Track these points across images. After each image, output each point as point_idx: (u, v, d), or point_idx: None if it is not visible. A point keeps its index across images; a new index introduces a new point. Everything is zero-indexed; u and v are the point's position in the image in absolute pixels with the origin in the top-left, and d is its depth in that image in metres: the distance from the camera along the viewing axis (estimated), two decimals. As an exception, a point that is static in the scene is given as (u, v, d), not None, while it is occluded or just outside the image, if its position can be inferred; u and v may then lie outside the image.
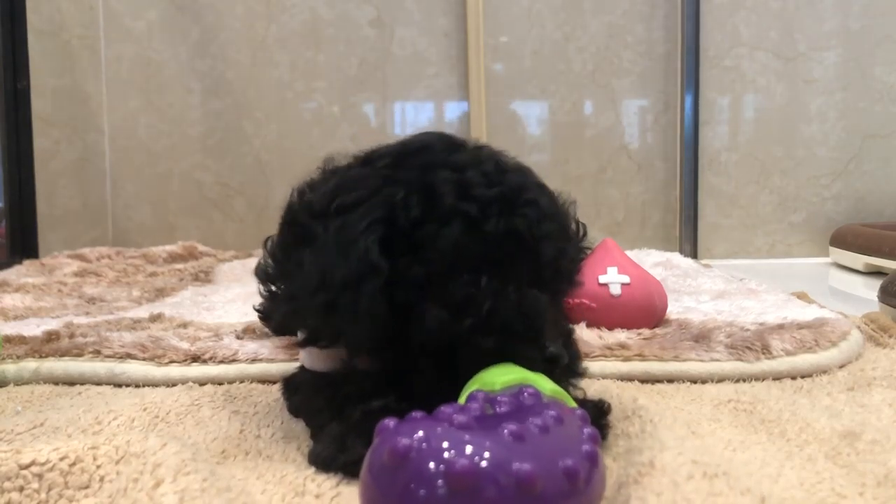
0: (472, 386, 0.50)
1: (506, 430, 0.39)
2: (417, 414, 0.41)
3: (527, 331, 0.54)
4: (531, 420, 0.42)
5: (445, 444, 0.38)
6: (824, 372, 0.80)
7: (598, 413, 0.59)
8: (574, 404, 0.50)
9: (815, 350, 0.81)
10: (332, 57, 1.97)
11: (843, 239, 1.78)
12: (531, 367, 0.52)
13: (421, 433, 0.38)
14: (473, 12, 1.91)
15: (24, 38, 1.75)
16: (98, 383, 0.80)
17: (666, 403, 0.69)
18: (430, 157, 0.56)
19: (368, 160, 0.60)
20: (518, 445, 0.39)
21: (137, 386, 0.79)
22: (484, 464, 0.37)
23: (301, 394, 0.66)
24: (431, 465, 0.37)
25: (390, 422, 0.41)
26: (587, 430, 0.46)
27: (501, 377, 0.50)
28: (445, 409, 0.41)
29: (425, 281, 0.53)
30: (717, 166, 1.97)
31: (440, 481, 0.36)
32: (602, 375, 0.78)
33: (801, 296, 1.15)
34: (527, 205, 0.55)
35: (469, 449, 0.37)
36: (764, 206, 1.97)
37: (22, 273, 1.48)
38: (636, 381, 0.78)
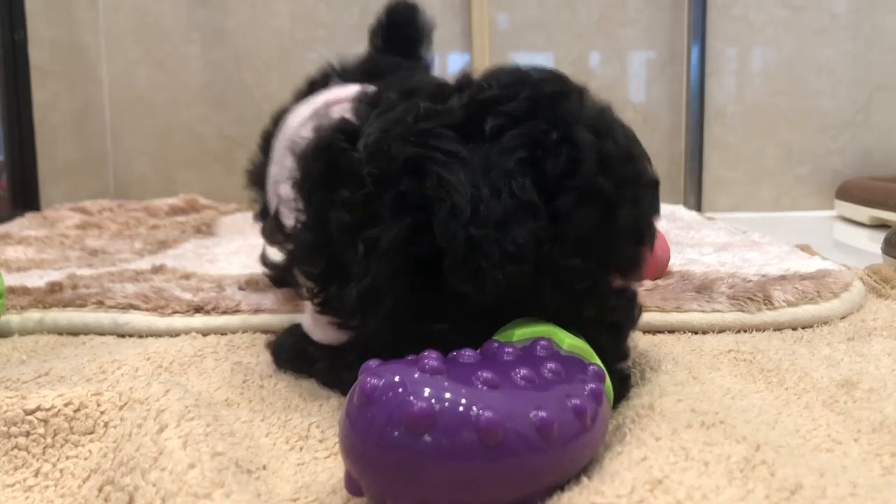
0: (497, 335, 0.50)
1: (481, 378, 0.40)
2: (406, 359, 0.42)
3: (618, 335, 0.55)
4: (518, 370, 0.42)
5: (407, 388, 0.38)
6: (825, 322, 0.80)
7: (621, 383, 0.56)
8: (597, 360, 0.49)
9: (817, 301, 0.82)
10: (333, 6, 1.93)
11: (849, 192, 1.77)
12: (607, 360, 0.51)
13: (389, 377, 0.38)
14: (477, -40, 1.87)
15: (20, -12, 1.72)
16: (101, 333, 0.81)
17: (667, 352, 0.69)
18: (568, 105, 0.51)
19: (469, 86, 0.54)
20: (488, 392, 0.39)
21: (141, 336, 0.80)
22: (438, 406, 0.37)
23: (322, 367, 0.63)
24: (390, 407, 0.37)
25: (373, 362, 0.41)
26: (592, 367, 0.46)
27: (521, 329, 0.49)
28: (430, 353, 0.42)
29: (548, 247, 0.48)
30: (722, 118, 1.95)
31: (397, 422, 0.37)
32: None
33: (805, 248, 1.14)
34: (648, 189, 0.54)
35: (427, 392, 0.38)
36: (769, 158, 1.95)
37: (24, 225, 1.48)
38: (638, 331, 0.79)
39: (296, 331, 0.66)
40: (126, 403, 0.50)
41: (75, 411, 0.50)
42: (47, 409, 0.49)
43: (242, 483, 0.42)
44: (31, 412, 0.49)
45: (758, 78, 1.95)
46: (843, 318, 0.82)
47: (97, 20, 1.93)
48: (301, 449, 0.50)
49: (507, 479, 0.38)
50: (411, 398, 0.37)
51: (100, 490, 0.44)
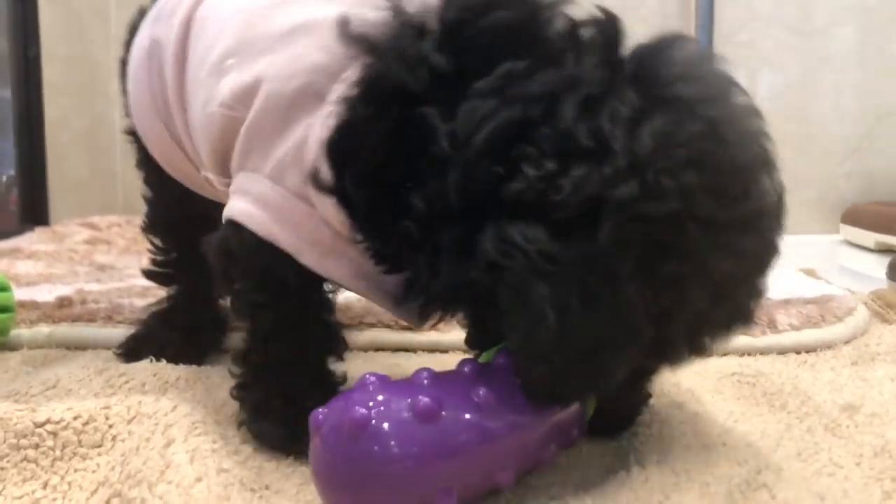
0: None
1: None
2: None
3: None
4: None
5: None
6: (829, 347, 0.80)
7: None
8: None
9: (821, 325, 0.82)
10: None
11: (855, 217, 1.77)
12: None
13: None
14: (486, -17, 1.89)
15: (34, 6, 1.75)
16: (109, 348, 0.81)
17: (670, 374, 0.69)
18: (721, 111, 0.43)
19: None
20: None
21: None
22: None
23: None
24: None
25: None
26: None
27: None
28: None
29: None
30: (728, 142, 1.95)
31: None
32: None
33: (809, 272, 1.15)
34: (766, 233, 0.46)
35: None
36: (775, 182, 1.96)
37: (34, 240, 1.49)
38: (641, 354, 0.79)
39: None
40: (134, 417, 0.51)
41: (84, 424, 0.50)
42: (56, 422, 0.50)
43: (247, 500, 0.42)
44: (41, 425, 0.50)
45: (764, 103, 1.94)
46: (846, 342, 0.82)
47: (109, 37, 1.95)
48: (303, 470, 0.50)
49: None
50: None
51: (107, 502, 0.44)
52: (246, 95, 0.52)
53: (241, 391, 0.54)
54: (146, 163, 0.72)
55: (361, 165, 0.46)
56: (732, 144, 0.42)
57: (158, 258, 0.76)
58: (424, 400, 0.40)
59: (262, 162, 0.51)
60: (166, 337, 0.74)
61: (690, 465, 0.45)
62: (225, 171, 0.57)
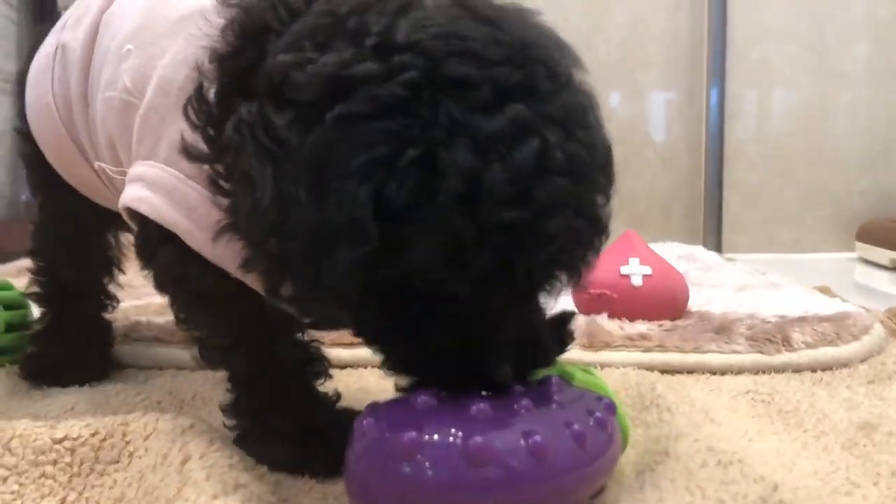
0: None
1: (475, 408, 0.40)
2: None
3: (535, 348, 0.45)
4: (521, 400, 0.42)
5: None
6: (845, 365, 0.80)
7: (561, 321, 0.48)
8: (609, 392, 0.49)
9: (837, 343, 0.81)
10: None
11: (870, 234, 1.76)
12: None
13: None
14: (498, 3, 1.91)
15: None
16: (126, 367, 0.82)
17: (685, 393, 0.69)
18: (532, 103, 0.38)
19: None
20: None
21: (161, 368, 0.81)
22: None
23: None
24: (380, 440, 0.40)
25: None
26: (603, 400, 0.45)
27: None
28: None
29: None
30: (742, 159, 1.95)
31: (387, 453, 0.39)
32: (623, 365, 0.79)
33: (824, 290, 1.14)
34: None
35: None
36: (789, 200, 1.95)
37: (53, 258, 1.50)
38: (656, 372, 0.79)
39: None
40: (151, 434, 0.51)
41: (102, 441, 0.51)
42: (74, 439, 0.51)
43: (264, 515, 0.42)
44: (59, 441, 0.50)
45: (778, 119, 1.96)
46: (862, 360, 0.81)
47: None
48: (322, 485, 0.51)
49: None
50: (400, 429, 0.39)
51: (124, 519, 0.45)
52: (142, 82, 0.53)
53: (243, 441, 0.52)
54: (36, 168, 0.70)
55: (222, 114, 0.44)
56: (496, 28, 0.39)
57: (41, 278, 0.76)
58: (476, 441, 0.38)
59: (155, 148, 0.51)
60: (58, 355, 0.74)
61: (705, 483, 0.45)
62: (118, 161, 0.57)
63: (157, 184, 0.50)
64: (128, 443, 0.51)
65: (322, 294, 0.38)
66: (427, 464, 0.38)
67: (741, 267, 1.42)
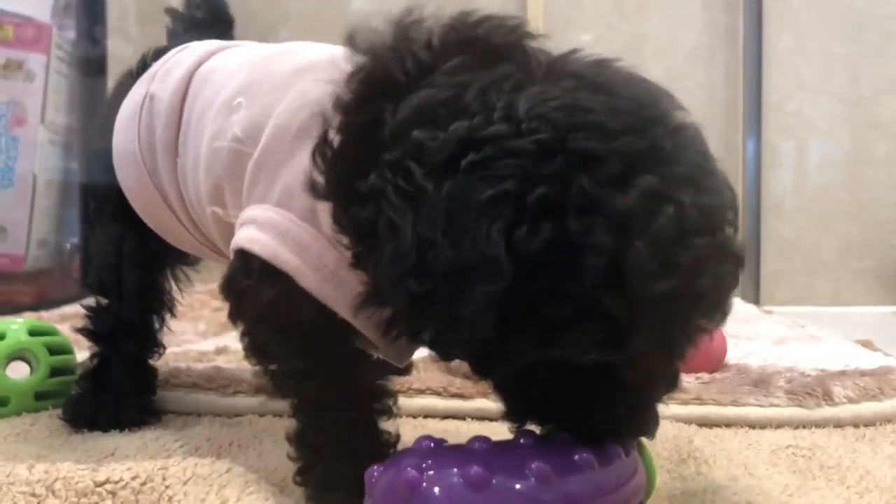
0: None
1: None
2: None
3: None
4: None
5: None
6: (888, 421, 0.78)
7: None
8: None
9: (880, 398, 0.80)
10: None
11: (913, 287, 1.73)
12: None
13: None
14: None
15: (104, 82, 1.84)
16: (165, 412, 0.83)
17: (723, 447, 0.68)
18: (660, 169, 0.39)
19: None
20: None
21: (199, 414, 0.81)
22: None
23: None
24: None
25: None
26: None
27: None
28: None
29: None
30: (780, 211, 1.94)
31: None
32: (660, 418, 0.78)
33: (866, 343, 1.12)
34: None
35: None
36: (828, 251, 1.93)
37: (95, 306, 1.54)
38: (694, 425, 0.78)
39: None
40: (190, 478, 0.52)
41: (142, 484, 0.52)
42: (116, 482, 0.52)
43: (299, 560, 0.43)
44: (101, 484, 0.51)
45: (815, 171, 1.95)
46: (907, 417, 0.79)
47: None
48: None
49: None
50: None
51: (163, 563, 0.45)
52: (255, 131, 0.54)
53: (305, 474, 0.52)
54: (119, 215, 0.72)
55: (345, 162, 0.46)
56: (611, 95, 0.41)
57: (93, 316, 0.77)
58: (476, 467, 0.40)
59: (269, 191, 0.53)
60: (102, 400, 0.75)
61: (744, 538, 0.44)
62: (223, 205, 0.59)
63: (271, 224, 0.51)
64: (167, 487, 0.52)
65: (460, 333, 0.40)
66: (429, 494, 0.39)
67: (779, 319, 1.40)
